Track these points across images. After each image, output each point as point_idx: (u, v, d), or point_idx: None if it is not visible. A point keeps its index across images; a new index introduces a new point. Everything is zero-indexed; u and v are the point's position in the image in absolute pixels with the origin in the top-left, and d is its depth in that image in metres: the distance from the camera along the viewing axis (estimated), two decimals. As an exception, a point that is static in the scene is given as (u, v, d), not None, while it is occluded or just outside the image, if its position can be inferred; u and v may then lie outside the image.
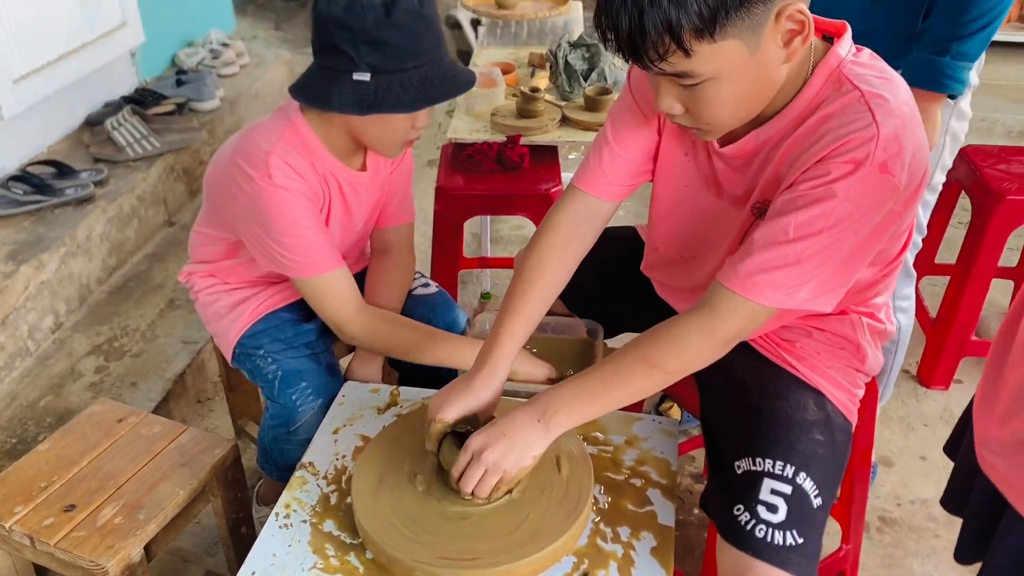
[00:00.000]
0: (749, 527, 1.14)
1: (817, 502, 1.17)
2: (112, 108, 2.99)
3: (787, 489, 1.16)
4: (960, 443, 1.25)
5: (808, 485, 1.17)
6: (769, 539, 1.13)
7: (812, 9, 1.03)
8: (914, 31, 1.64)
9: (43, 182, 2.53)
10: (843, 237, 1.05)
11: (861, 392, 1.35)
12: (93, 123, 2.95)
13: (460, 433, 1.22)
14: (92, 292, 2.55)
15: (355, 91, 1.36)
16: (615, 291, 1.60)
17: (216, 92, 3.30)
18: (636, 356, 1.14)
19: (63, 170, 2.62)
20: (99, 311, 2.50)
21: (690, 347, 1.12)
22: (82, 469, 1.50)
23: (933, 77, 1.58)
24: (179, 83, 3.26)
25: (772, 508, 1.14)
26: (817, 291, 1.08)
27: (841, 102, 1.07)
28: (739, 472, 1.19)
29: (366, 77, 1.35)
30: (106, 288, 2.60)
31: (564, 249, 1.34)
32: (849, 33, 1.13)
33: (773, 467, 1.17)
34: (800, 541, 1.13)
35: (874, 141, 1.02)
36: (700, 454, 2.09)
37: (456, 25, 4.69)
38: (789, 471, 1.17)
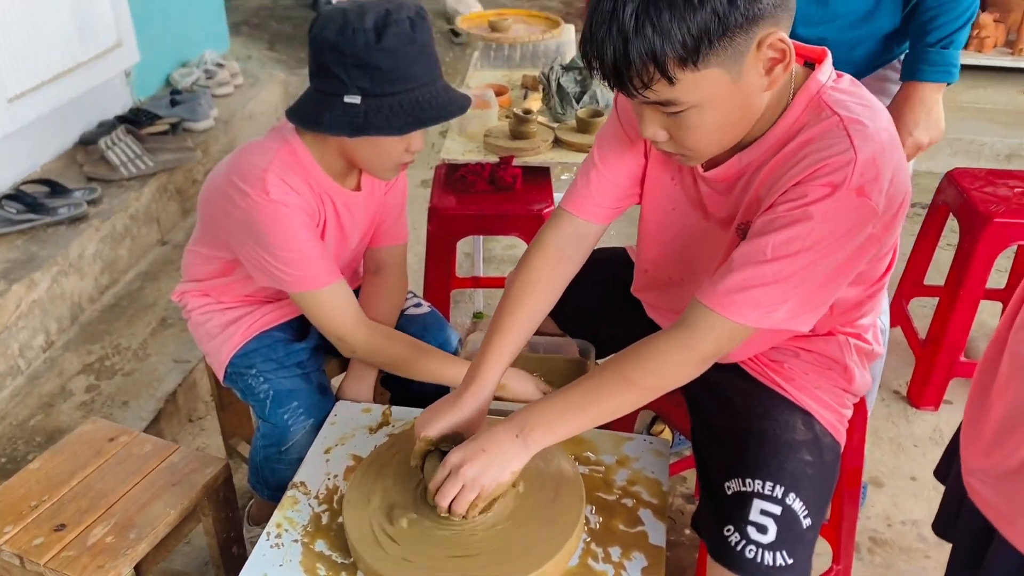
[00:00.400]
0: (739, 548, 1.14)
1: (807, 522, 1.18)
2: (106, 127, 3.00)
3: (777, 510, 1.16)
4: (950, 467, 1.26)
5: (797, 505, 1.17)
6: (759, 560, 1.13)
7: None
8: (896, 27, 1.77)
9: (36, 201, 2.53)
10: (820, 258, 1.06)
11: (849, 412, 1.36)
12: (87, 142, 2.96)
13: (445, 451, 1.22)
14: (84, 311, 2.55)
15: (345, 113, 1.37)
16: (606, 311, 1.61)
17: (210, 112, 3.32)
18: (615, 372, 1.16)
19: (56, 189, 2.63)
20: (91, 330, 2.49)
21: (668, 364, 1.14)
22: (72, 488, 1.50)
23: (945, 68, 1.72)
24: (173, 103, 3.28)
25: (762, 529, 1.15)
26: (795, 310, 1.09)
27: (821, 127, 1.09)
28: (729, 493, 1.20)
29: (356, 100, 1.36)
30: (98, 307, 2.60)
31: (552, 270, 1.36)
32: (829, 59, 1.15)
33: (763, 488, 1.18)
34: (790, 562, 1.14)
35: (851, 165, 1.04)
36: (692, 474, 2.09)
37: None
38: (779, 491, 1.17)
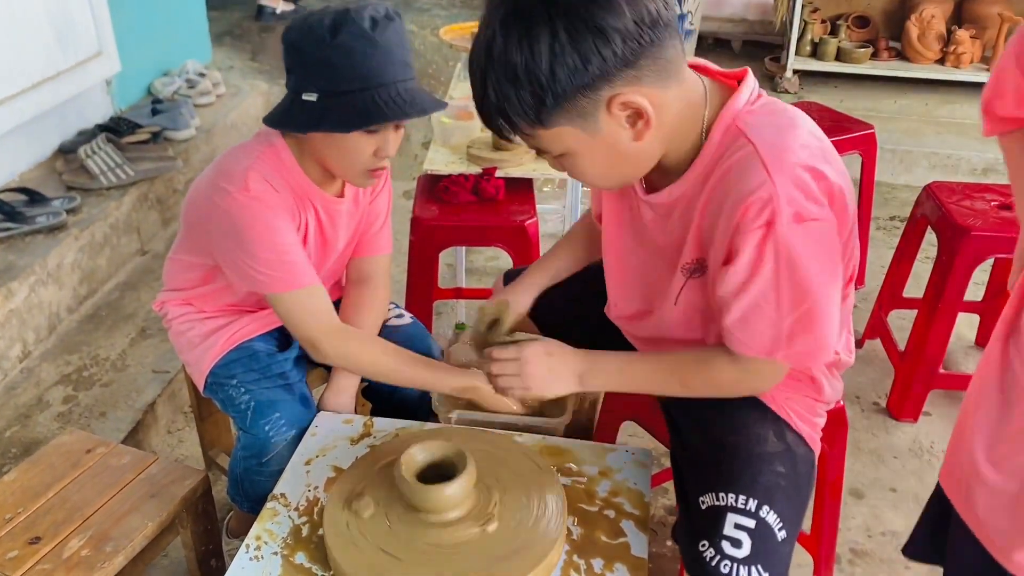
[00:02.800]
0: (714, 563, 1.14)
1: (782, 535, 1.18)
2: (86, 136, 2.98)
3: (751, 523, 1.16)
4: (923, 544, 1.28)
5: (771, 518, 1.18)
6: (735, 575, 1.13)
7: None
8: None
9: (14, 210, 2.51)
10: (814, 289, 1.10)
11: (822, 421, 1.36)
12: (67, 151, 2.94)
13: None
14: (62, 321, 2.52)
15: (303, 111, 1.38)
16: (584, 323, 1.60)
17: (192, 121, 3.30)
18: (673, 372, 1.28)
19: (35, 198, 2.60)
20: (68, 340, 2.47)
21: (722, 389, 1.26)
22: (48, 500, 1.48)
23: None
24: (154, 112, 3.26)
25: (736, 543, 1.15)
26: (827, 336, 1.15)
27: (737, 158, 1.10)
28: (704, 507, 1.20)
29: (313, 98, 1.37)
30: (76, 317, 2.57)
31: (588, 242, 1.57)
32: (750, 79, 1.16)
33: (736, 501, 1.18)
34: (765, 575, 1.14)
35: (774, 200, 1.05)
36: (673, 486, 2.09)
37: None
38: (752, 505, 1.18)
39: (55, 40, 2.83)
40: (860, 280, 2.98)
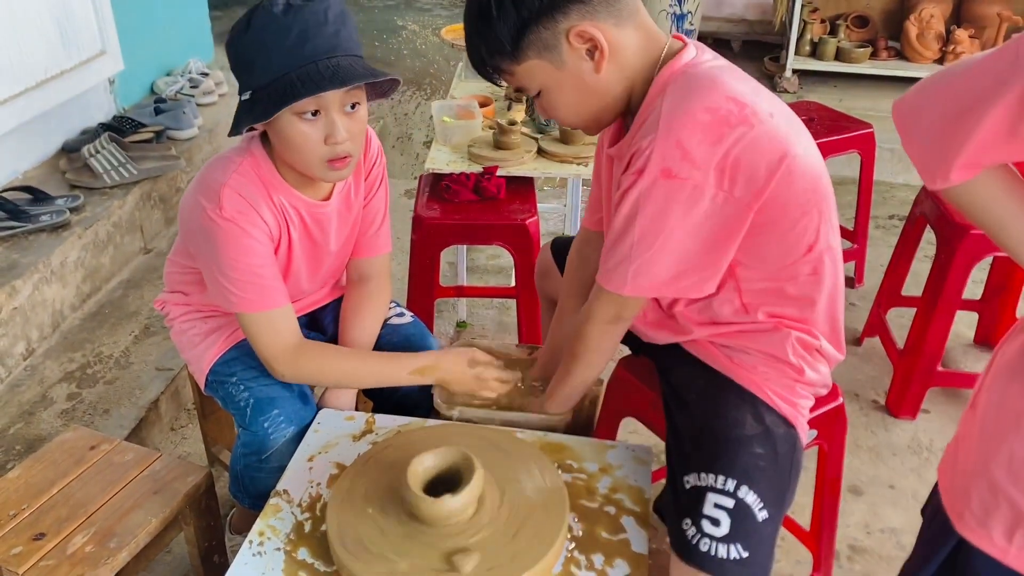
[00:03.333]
0: (695, 541, 1.18)
1: (762, 515, 1.20)
2: (89, 135, 2.99)
3: (729, 503, 1.19)
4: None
5: (751, 499, 1.20)
6: (713, 553, 1.16)
7: None
8: None
9: (18, 208, 2.52)
10: (659, 238, 1.20)
11: (806, 403, 1.35)
12: (70, 150, 2.95)
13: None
14: (66, 319, 2.54)
15: (241, 112, 1.37)
16: None
17: (194, 121, 3.31)
18: (571, 334, 1.44)
19: (38, 196, 2.61)
20: (72, 338, 2.48)
21: (606, 330, 1.38)
22: (52, 497, 1.49)
23: None
24: (157, 111, 3.27)
25: (715, 522, 1.18)
26: (666, 281, 1.25)
27: (652, 111, 1.20)
28: (687, 487, 1.23)
29: (247, 96, 1.36)
30: (80, 315, 2.59)
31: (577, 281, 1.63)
32: (691, 45, 1.26)
33: (715, 481, 1.21)
34: (745, 555, 1.16)
35: (650, 151, 1.16)
36: (673, 483, 2.10)
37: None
38: (730, 485, 1.20)
39: (58, 39, 2.84)
40: (859, 278, 2.99)
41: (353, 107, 1.39)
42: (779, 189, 1.19)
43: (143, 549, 1.44)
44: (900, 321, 2.67)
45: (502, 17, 1.22)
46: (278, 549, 1.23)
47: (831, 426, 1.53)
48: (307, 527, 1.28)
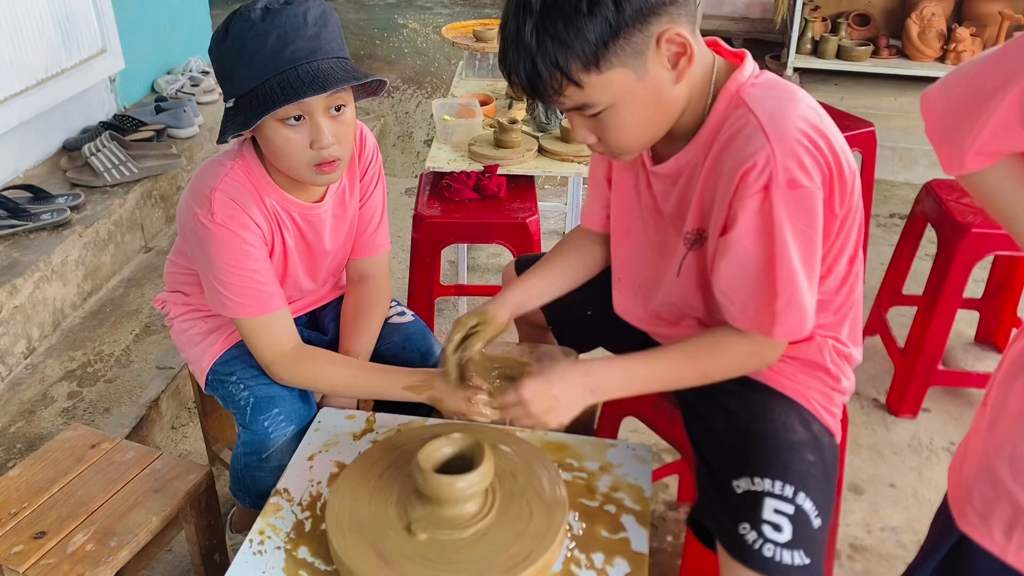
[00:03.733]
0: (757, 546, 1.15)
1: (817, 522, 1.19)
2: (90, 134, 2.99)
3: (789, 509, 1.17)
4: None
5: (808, 506, 1.18)
6: (778, 559, 1.14)
7: None
8: None
9: (19, 206, 2.52)
10: (790, 255, 1.14)
11: (839, 412, 1.37)
12: (71, 148, 2.95)
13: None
14: (66, 317, 2.54)
15: (226, 120, 1.36)
16: (595, 308, 1.62)
17: (195, 119, 3.31)
18: (692, 365, 1.27)
19: (39, 195, 2.62)
20: (73, 336, 2.48)
21: (739, 368, 1.27)
22: (53, 495, 1.49)
23: None
24: (158, 110, 3.27)
25: (777, 528, 1.16)
26: (805, 312, 1.18)
27: (738, 125, 1.15)
28: (739, 492, 1.20)
29: (231, 104, 1.36)
30: (81, 313, 2.59)
31: (568, 262, 1.54)
32: (750, 58, 1.21)
33: (773, 487, 1.18)
34: (807, 561, 1.15)
35: (772, 163, 1.10)
36: (674, 481, 2.11)
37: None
38: (789, 491, 1.18)
39: (59, 38, 2.84)
40: (861, 277, 2.98)
41: (339, 109, 1.37)
42: (855, 194, 1.20)
43: (144, 548, 1.44)
44: (901, 320, 2.67)
45: (596, 16, 1.05)
46: (278, 548, 1.23)
47: (840, 417, 1.53)
48: (307, 526, 1.28)
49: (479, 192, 2.24)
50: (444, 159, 2.34)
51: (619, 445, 1.44)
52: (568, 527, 1.25)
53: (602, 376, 1.26)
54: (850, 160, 1.18)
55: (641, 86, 1.12)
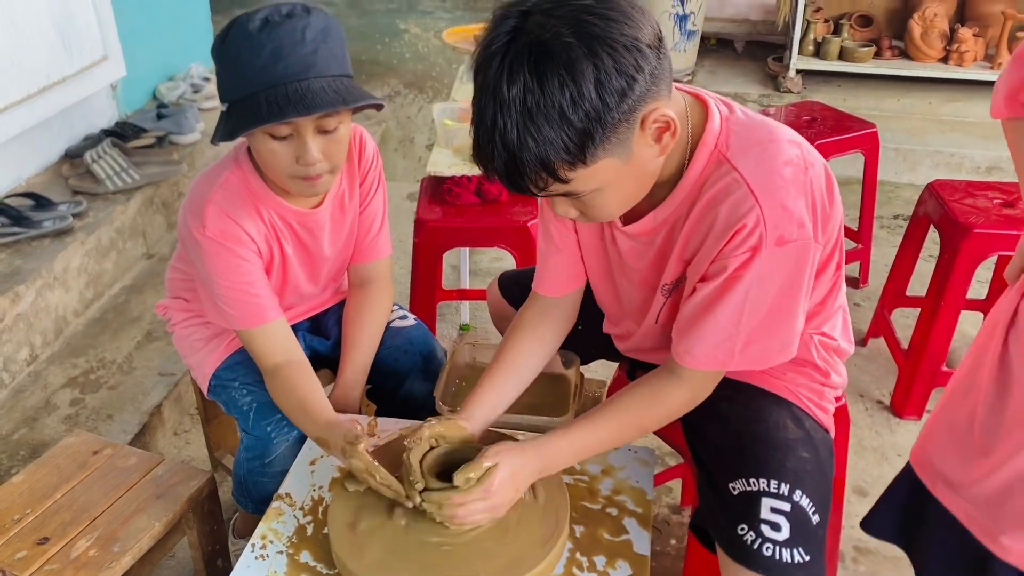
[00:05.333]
0: (756, 546, 1.15)
1: (815, 519, 1.19)
2: (92, 141, 3.00)
3: (786, 507, 1.17)
4: (887, 523, 1.34)
5: (805, 502, 1.18)
6: (777, 557, 1.14)
7: None
8: None
9: (21, 214, 2.53)
10: (773, 308, 1.14)
11: (831, 407, 1.37)
12: (73, 155, 2.96)
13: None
14: (69, 324, 2.54)
15: (219, 123, 1.36)
16: (584, 323, 1.61)
17: (197, 126, 3.32)
18: (629, 423, 1.25)
19: (41, 202, 2.62)
20: (75, 343, 2.49)
21: (675, 414, 1.27)
22: (56, 501, 1.49)
23: None
24: (160, 116, 3.28)
25: (775, 527, 1.16)
26: (772, 350, 1.19)
27: (723, 184, 1.12)
28: (735, 493, 1.20)
29: (224, 108, 1.36)
30: (83, 320, 2.59)
31: (527, 352, 1.43)
32: (713, 101, 1.16)
33: (768, 486, 1.18)
34: (807, 558, 1.15)
35: (761, 224, 1.08)
36: (677, 484, 2.10)
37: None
38: (784, 489, 1.18)
39: (60, 45, 2.85)
40: (864, 279, 2.98)
41: (331, 129, 1.35)
42: (836, 206, 1.19)
43: (146, 553, 1.44)
44: (905, 321, 2.66)
45: (582, 113, 0.98)
46: (281, 552, 1.23)
47: (835, 426, 1.52)
48: (309, 530, 1.28)
49: (480, 196, 2.24)
50: (445, 163, 2.34)
51: (621, 448, 1.44)
52: (570, 529, 1.25)
53: (548, 453, 1.23)
54: (832, 182, 1.18)
55: (627, 169, 1.07)
